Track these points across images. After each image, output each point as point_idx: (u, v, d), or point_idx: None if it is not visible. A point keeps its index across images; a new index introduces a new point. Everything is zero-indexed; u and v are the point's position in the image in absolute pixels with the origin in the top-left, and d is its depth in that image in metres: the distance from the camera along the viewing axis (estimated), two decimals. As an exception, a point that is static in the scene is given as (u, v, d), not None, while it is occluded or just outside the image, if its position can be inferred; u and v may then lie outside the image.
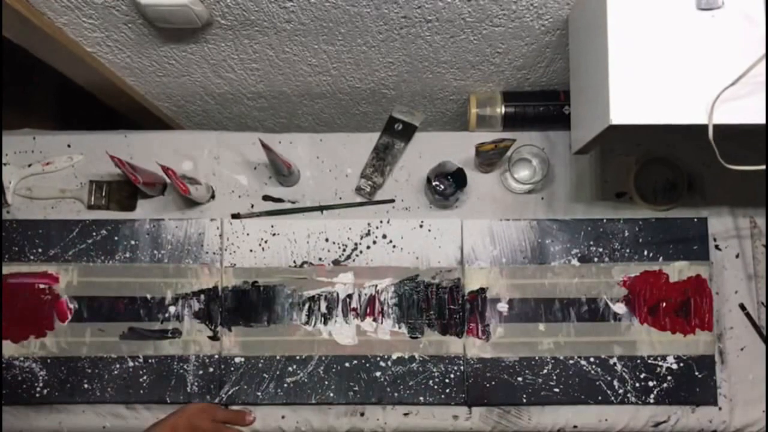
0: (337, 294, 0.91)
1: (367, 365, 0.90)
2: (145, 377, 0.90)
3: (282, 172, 0.92)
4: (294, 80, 1.02)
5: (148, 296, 0.91)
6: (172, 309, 0.91)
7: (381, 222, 0.93)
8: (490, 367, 0.90)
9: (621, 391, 0.89)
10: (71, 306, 0.92)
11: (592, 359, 0.90)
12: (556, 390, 0.89)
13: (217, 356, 0.91)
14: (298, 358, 0.90)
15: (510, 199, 0.96)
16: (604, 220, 0.93)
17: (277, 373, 0.90)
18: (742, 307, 0.92)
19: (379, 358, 0.90)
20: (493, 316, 0.91)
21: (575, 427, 0.90)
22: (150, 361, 0.90)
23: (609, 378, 0.89)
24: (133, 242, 0.93)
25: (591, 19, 0.71)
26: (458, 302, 0.91)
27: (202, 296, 0.92)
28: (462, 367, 0.90)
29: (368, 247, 0.92)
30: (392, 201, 0.96)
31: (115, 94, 1.06)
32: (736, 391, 0.91)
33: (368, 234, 0.93)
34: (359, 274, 0.92)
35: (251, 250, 0.93)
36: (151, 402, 0.90)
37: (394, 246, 0.92)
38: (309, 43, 0.89)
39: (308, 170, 0.97)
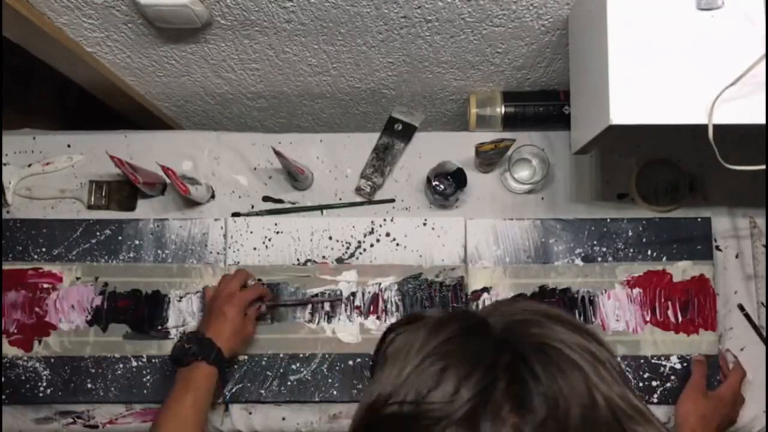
0: (341, 292, 0.92)
1: (371, 363, 0.90)
2: (148, 377, 0.90)
3: (297, 177, 0.92)
4: (294, 80, 1.02)
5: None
6: (175, 309, 0.91)
7: (384, 220, 0.93)
8: None
9: None
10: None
11: None
12: None
13: (220, 355, 0.91)
14: (301, 356, 0.90)
15: (510, 199, 0.96)
16: (608, 220, 0.92)
17: (281, 371, 0.90)
18: (741, 307, 0.92)
19: None
20: None
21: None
22: (153, 360, 0.90)
23: None
24: (137, 242, 0.92)
25: (591, 19, 0.71)
26: (462, 300, 0.91)
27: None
28: None
29: (372, 245, 0.92)
30: (392, 201, 0.96)
31: (115, 94, 1.05)
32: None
33: (372, 232, 0.93)
34: (363, 272, 0.92)
35: (255, 248, 0.92)
36: (154, 402, 0.90)
37: (397, 244, 0.93)
38: (309, 43, 0.89)
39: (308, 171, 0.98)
